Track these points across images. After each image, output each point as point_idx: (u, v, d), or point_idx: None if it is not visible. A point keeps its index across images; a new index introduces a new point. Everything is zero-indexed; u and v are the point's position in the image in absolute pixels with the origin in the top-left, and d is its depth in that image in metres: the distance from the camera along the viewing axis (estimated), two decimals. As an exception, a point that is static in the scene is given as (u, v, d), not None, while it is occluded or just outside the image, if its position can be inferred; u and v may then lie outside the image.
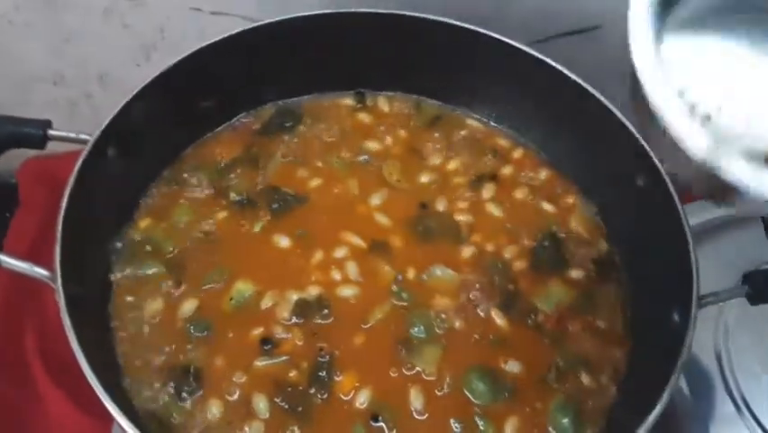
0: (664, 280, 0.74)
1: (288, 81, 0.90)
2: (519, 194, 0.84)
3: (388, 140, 0.88)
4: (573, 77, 0.82)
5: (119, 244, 0.78)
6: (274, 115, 0.89)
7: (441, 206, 0.83)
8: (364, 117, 0.90)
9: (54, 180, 1.02)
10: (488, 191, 0.84)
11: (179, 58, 0.80)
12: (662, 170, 0.75)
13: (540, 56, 0.83)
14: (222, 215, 0.81)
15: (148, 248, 0.77)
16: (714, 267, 0.73)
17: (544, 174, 0.87)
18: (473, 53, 0.86)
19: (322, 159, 0.86)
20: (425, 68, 0.89)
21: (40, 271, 0.67)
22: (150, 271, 0.76)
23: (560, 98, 0.84)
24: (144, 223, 0.79)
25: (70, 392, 0.87)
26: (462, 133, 0.89)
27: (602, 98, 0.80)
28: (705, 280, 0.69)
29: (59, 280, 0.65)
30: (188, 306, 0.74)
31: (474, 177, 0.85)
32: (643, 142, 0.76)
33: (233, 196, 0.82)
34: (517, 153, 0.88)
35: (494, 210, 0.83)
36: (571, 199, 0.85)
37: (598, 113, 0.80)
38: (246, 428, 0.67)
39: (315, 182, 0.84)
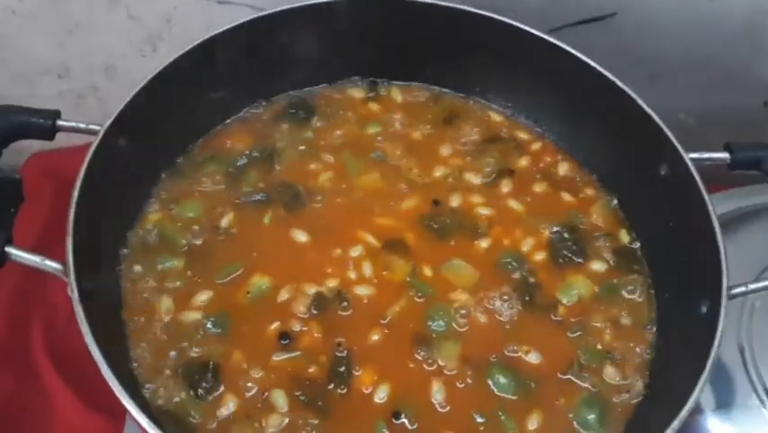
0: (690, 271, 0.72)
1: (299, 71, 0.88)
2: (538, 186, 0.83)
3: (404, 132, 0.86)
4: (592, 63, 0.80)
5: (130, 238, 0.76)
6: (287, 106, 0.87)
7: (458, 199, 0.81)
8: (378, 108, 0.88)
9: (60, 175, 1.01)
10: (506, 184, 0.82)
11: (188, 48, 0.79)
12: (687, 159, 0.73)
13: (558, 42, 0.82)
14: (234, 208, 0.79)
15: (160, 242, 0.76)
16: (737, 258, 0.71)
17: (562, 165, 0.85)
18: (490, 41, 0.84)
19: (336, 151, 0.84)
20: (439, 57, 0.87)
21: (51, 265, 0.65)
22: (163, 265, 0.74)
23: (578, 86, 0.82)
24: (156, 216, 0.78)
25: (77, 390, 0.86)
26: (479, 124, 0.87)
27: (622, 85, 0.79)
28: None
29: (72, 274, 0.63)
30: (204, 300, 0.72)
31: (492, 169, 0.83)
32: (666, 130, 0.75)
33: (245, 189, 0.80)
34: (535, 145, 0.86)
35: (512, 203, 0.81)
36: (590, 191, 0.83)
37: (618, 100, 0.79)
38: (265, 423, 0.66)
39: (329, 175, 0.82)
